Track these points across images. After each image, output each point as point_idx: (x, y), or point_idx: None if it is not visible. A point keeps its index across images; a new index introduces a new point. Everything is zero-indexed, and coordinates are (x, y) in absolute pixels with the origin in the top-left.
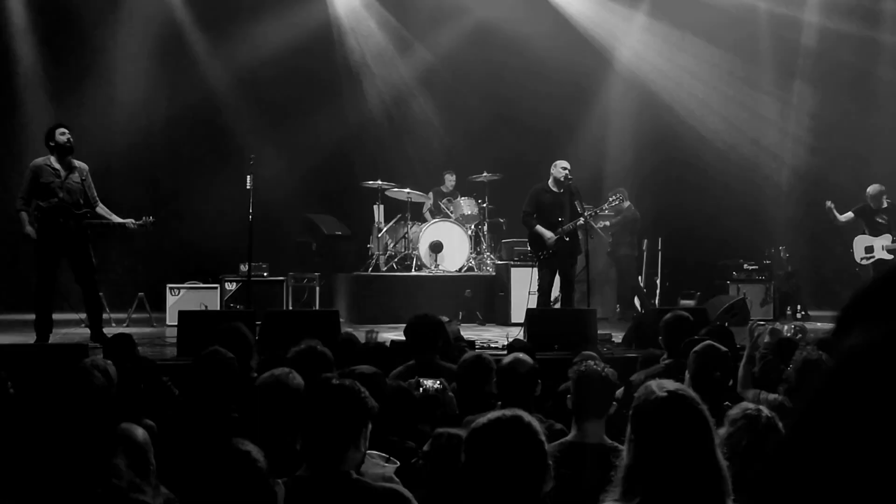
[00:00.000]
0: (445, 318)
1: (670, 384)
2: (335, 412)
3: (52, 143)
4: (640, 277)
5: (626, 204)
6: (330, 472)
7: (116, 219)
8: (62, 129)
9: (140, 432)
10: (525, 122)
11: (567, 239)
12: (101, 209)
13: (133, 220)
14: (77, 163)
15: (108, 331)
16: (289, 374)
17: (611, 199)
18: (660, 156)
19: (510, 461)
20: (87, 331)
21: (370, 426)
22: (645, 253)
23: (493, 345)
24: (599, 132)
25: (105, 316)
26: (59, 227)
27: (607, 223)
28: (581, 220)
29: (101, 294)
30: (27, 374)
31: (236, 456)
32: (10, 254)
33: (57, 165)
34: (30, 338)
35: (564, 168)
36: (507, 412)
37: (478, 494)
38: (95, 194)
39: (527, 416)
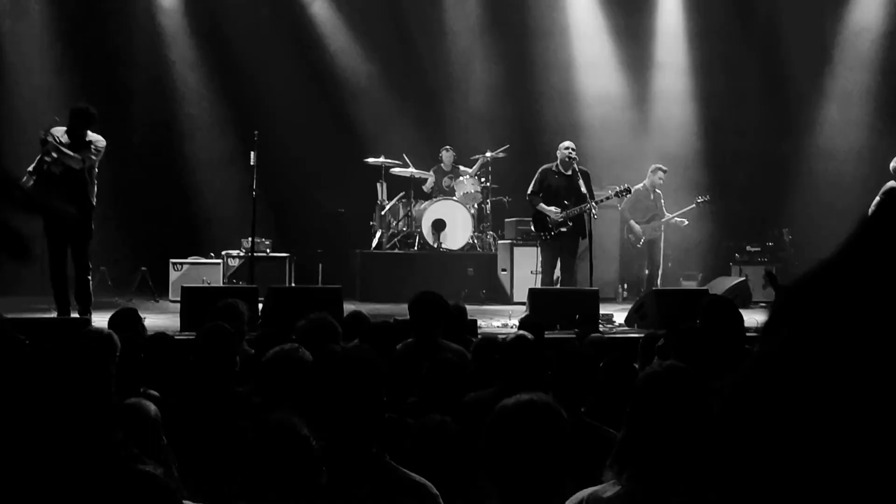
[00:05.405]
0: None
1: (672, 362)
2: (354, 380)
3: (74, 122)
4: (648, 259)
5: (639, 186)
6: (356, 452)
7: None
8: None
9: (152, 408)
10: (531, 98)
11: (571, 223)
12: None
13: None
14: (91, 136)
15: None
16: (298, 349)
17: (619, 189)
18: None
19: (536, 444)
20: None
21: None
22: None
23: (494, 324)
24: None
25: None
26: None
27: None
28: (586, 206)
29: (90, 276)
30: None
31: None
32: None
33: (65, 139)
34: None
35: (567, 148)
36: (528, 395)
37: (503, 478)
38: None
39: (550, 399)
